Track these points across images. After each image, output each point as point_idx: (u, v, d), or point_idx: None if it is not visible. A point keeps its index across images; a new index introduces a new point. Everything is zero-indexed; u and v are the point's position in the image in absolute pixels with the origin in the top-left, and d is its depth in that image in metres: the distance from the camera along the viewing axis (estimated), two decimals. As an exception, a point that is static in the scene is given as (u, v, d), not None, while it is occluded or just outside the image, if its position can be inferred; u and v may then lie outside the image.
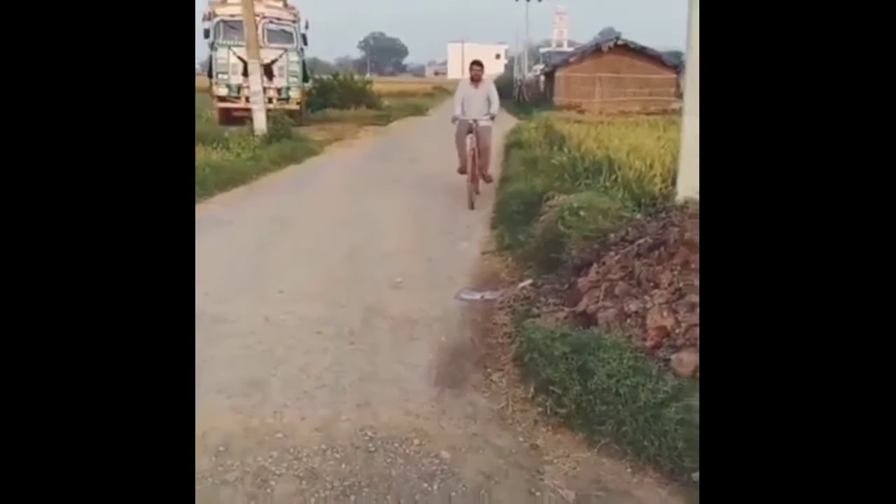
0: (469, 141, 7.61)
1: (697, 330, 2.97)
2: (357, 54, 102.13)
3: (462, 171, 7.87)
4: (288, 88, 16.69)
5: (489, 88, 7.83)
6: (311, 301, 4.40)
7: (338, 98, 22.11)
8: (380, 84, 30.20)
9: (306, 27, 17.43)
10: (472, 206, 7.48)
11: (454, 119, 7.80)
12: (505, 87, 37.74)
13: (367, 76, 30.99)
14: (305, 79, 18.02)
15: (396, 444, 2.72)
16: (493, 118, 7.79)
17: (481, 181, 8.01)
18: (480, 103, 7.71)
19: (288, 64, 16.59)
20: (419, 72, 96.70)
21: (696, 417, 2.51)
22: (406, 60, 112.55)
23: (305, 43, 17.44)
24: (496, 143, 11.69)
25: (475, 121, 7.63)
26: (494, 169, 9.46)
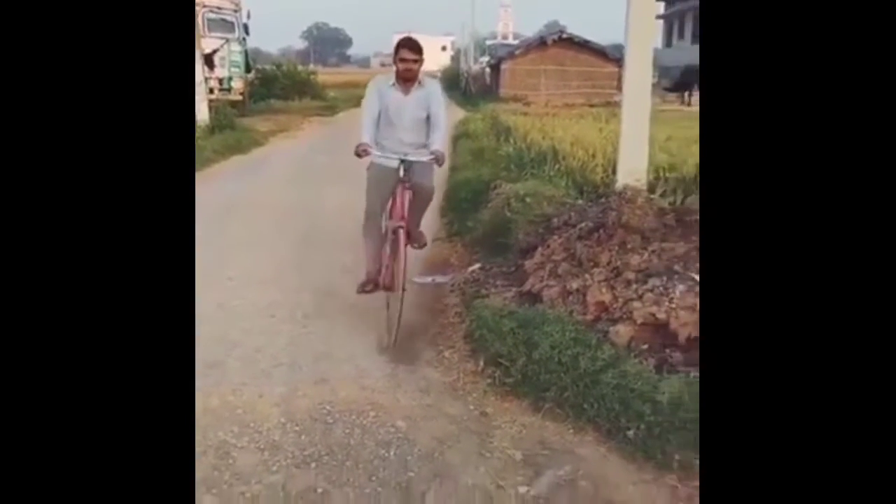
0: (400, 198, 3.70)
1: (633, 304, 3.21)
2: (300, 45, 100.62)
3: (366, 288, 3.89)
4: (230, 79, 16.39)
5: (430, 95, 3.79)
6: (263, 286, 4.47)
7: (281, 89, 21.82)
8: (325, 75, 29.87)
9: (248, 17, 17.19)
10: (393, 344, 3.52)
11: (359, 151, 3.53)
12: (452, 79, 37.96)
13: (311, 67, 30.56)
14: (248, 69, 17.75)
15: (354, 417, 2.85)
16: (438, 160, 3.69)
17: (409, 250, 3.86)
18: (414, 124, 3.78)
19: (230, 54, 16.27)
20: (364, 63, 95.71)
21: (630, 382, 2.73)
22: (350, 51, 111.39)
23: (247, 33, 17.20)
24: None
25: (406, 164, 3.62)
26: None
